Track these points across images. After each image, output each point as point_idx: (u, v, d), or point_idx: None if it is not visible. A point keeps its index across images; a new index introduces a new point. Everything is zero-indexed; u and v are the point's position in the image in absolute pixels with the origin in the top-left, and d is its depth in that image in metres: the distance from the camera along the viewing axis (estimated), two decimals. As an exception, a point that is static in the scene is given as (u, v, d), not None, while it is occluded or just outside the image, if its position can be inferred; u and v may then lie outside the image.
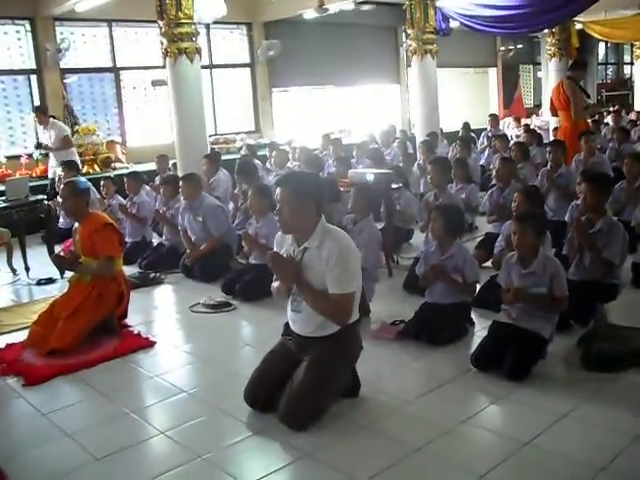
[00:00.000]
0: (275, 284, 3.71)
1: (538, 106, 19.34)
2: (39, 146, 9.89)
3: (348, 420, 3.42)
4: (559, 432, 3.19)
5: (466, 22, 12.39)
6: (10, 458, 3.26)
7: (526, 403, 3.51)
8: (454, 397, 3.66)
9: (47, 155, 10.04)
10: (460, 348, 4.30)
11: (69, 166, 8.57)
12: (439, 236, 4.64)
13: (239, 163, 7.87)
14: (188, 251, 6.63)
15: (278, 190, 3.47)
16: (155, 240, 7.79)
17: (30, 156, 10.92)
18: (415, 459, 3.03)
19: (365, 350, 3.69)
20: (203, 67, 9.28)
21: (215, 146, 12.09)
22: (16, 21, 11.35)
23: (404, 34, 14.94)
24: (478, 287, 4.99)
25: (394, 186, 6.65)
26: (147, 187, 8.61)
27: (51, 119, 9.76)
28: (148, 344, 4.77)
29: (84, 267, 5.00)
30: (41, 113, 9.71)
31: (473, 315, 4.69)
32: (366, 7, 14.12)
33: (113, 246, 5.01)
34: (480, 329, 4.53)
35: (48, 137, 9.59)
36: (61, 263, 5.58)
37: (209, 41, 13.61)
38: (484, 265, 5.61)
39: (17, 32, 11.43)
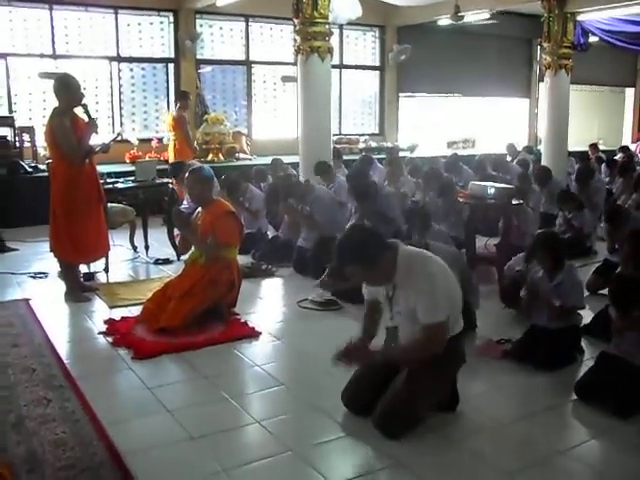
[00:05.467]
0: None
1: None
2: None
3: (442, 434, 3.39)
4: (664, 478, 3.02)
5: (608, 38, 11.93)
6: (115, 423, 3.44)
7: (630, 443, 3.34)
8: (553, 425, 3.54)
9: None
10: (565, 376, 4.13)
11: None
12: (548, 269, 4.48)
13: (351, 174, 7.75)
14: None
15: (346, 272, 3.38)
16: (270, 232, 7.95)
17: (160, 140, 11.37)
18: (506, 483, 2.96)
19: (467, 366, 3.63)
20: (333, 67, 9.34)
21: (338, 145, 12.17)
22: (161, 13, 11.93)
23: (539, 47, 14.52)
24: (591, 315, 4.81)
25: (514, 202, 6.47)
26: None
27: None
28: (253, 334, 4.87)
29: (196, 236, 5.15)
30: None
31: (583, 343, 4.51)
32: (501, 17, 13.81)
33: (232, 235, 5.15)
34: (589, 358, 4.34)
35: None
36: (180, 219, 5.39)
37: (341, 41, 13.74)
38: (599, 292, 5.41)
39: (161, 23, 12.01)
